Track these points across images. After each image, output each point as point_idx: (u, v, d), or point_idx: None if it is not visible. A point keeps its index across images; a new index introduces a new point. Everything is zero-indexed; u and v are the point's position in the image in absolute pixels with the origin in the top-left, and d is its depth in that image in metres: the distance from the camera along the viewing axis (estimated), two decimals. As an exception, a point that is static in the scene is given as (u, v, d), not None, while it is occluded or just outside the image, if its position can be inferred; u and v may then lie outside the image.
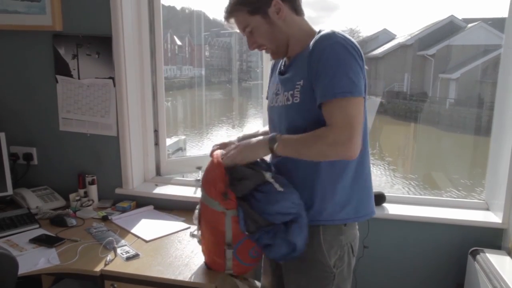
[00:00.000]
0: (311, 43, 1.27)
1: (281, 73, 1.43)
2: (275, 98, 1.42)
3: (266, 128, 1.59)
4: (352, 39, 1.26)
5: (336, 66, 1.20)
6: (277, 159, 1.39)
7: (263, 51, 1.45)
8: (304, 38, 1.33)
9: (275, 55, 1.43)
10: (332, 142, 1.18)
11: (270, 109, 1.48)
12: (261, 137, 1.34)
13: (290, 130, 1.32)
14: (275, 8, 1.31)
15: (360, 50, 1.25)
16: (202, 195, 1.46)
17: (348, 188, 1.33)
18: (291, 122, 1.34)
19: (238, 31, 1.42)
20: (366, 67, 1.28)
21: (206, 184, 1.43)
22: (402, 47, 5.52)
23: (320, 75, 1.22)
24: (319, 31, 1.32)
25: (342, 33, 1.26)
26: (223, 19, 1.41)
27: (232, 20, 1.38)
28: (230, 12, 1.36)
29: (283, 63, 1.46)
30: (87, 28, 2.13)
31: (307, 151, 1.24)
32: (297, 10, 1.36)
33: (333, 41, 1.22)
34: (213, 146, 1.55)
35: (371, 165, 1.42)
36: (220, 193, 1.34)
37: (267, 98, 1.55)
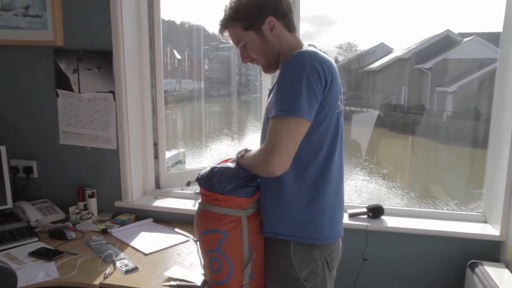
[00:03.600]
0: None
1: (270, 90, 1.47)
2: (265, 114, 1.44)
3: None
4: (324, 60, 1.26)
5: (285, 85, 1.23)
6: None
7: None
8: (289, 53, 1.34)
9: (267, 70, 1.46)
10: (258, 158, 1.26)
11: (263, 125, 1.49)
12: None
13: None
14: (269, 25, 1.34)
15: (328, 71, 1.24)
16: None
17: (306, 209, 1.32)
18: (264, 137, 1.36)
19: (231, 43, 1.45)
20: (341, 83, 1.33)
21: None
22: (399, 60, 5.57)
23: (275, 92, 1.26)
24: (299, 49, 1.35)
25: (314, 53, 1.27)
26: (218, 32, 1.44)
27: (226, 33, 1.42)
28: (225, 26, 1.39)
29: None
30: (88, 43, 2.16)
31: (249, 166, 1.33)
32: (290, 27, 1.39)
33: (295, 60, 1.24)
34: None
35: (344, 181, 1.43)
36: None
37: None
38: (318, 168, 1.31)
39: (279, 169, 1.21)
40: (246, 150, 1.40)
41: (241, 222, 1.36)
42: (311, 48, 1.33)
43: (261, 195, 1.41)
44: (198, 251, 1.49)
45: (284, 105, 1.21)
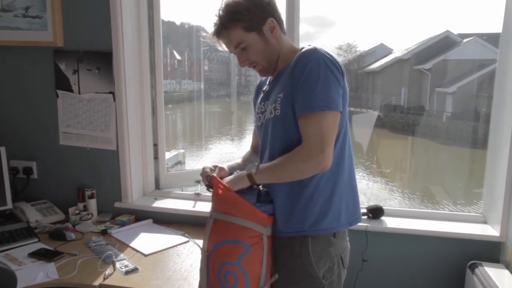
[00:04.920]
0: (294, 58, 1.32)
1: (266, 91, 1.47)
2: (261, 116, 1.44)
3: (244, 153, 1.67)
4: (334, 56, 1.30)
5: (316, 81, 1.24)
6: None
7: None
8: (289, 54, 1.38)
9: (265, 73, 1.46)
10: (305, 157, 1.24)
11: (258, 128, 1.49)
12: (241, 173, 1.37)
13: (273, 141, 1.36)
14: (270, 26, 1.35)
15: (342, 67, 1.30)
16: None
17: (328, 198, 1.33)
18: (274, 134, 1.36)
19: (222, 47, 1.43)
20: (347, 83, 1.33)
21: (231, 208, 1.34)
22: (399, 61, 5.58)
23: (300, 89, 1.26)
24: (302, 48, 1.36)
25: (325, 50, 1.31)
26: (211, 36, 1.41)
27: (221, 35, 1.38)
28: (225, 27, 1.36)
29: (268, 82, 1.50)
30: (88, 43, 2.16)
31: (283, 172, 1.29)
32: (283, 30, 1.42)
33: (315, 57, 1.26)
34: (205, 168, 1.51)
35: (358, 175, 1.45)
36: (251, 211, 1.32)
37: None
38: (336, 155, 1.31)
39: (330, 162, 1.24)
40: (255, 165, 1.34)
41: (262, 240, 1.33)
42: (317, 46, 1.34)
43: (277, 198, 1.37)
44: (201, 267, 1.37)
45: (319, 101, 1.23)
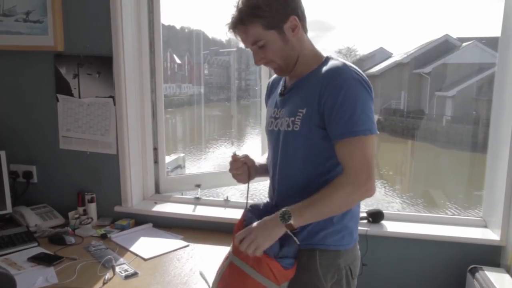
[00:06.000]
0: (323, 72, 1.25)
1: (282, 94, 1.39)
2: (274, 122, 1.39)
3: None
4: (362, 73, 1.25)
5: (354, 103, 1.18)
6: (277, 186, 1.38)
7: (262, 66, 1.44)
8: (311, 59, 1.31)
9: (281, 72, 1.38)
10: (353, 188, 1.19)
11: (269, 133, 1.43)
12: (271, 220, 1.23)
13: (288, 156, 1.32)
14: (291, 25, 1.26)
15: (370, 84, 1.25)
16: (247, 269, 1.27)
17: (343, 214, 1.31)
18: (289, 149, 1.32)
19: (239, 41, 1.33)
20: None
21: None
22: (398, 65, 5.60)
23: (337, 111, 1.19)
24: (327, 58, 1.31)
25: (353, 66, 1.25)
26: (228, 28, 1.30)
27: (238, 29, 1.29)
28: (242, 22, 1.26)
29: (283, 83, 1.43)
30: (88, 48, 2.17)
31: (328, 208, 1.22)
32: (305, 28, 1.32)
33: (349, 76, 1.21)
34: (234, 156, 1.43)
35: None
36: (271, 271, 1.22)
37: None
38: None
39: (375, 189, 1.20)
40: (286, 211, 1.20)
41: None
42: (344, 60, 1.29)
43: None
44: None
45: (361, 125, 1.18)
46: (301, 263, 1.31)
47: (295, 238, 1.24)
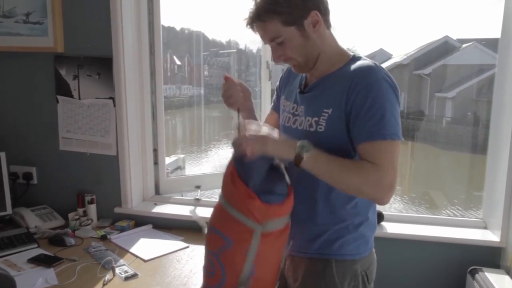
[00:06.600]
0: (351, 71, 1.18)
1: (303, 91, 1.31)
2: (292, 118, 1.32)
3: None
4: (392, 76, 1.19)
5: (384, 106, 1.13)
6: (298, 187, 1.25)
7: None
8: (334, 57, 1.24)
9: (301, 69, 1.30)
10: (375, 180, 1.11)
11: (286, 129, 1.34)
12: (288, 140, 1.19)
13: None
14: (312, 20, 1.19)
15: (398, 88, 1.19)
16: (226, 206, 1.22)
17: (361, 223, 1.28)
18: None
19: (259, 37, 1.26)
20: None
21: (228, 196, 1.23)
22: (398, 66, 5.60)
23: (367, 111, 1.13)
24: (353, 57, 1.25)
25: (383, 68, 1.20)
26: (245, 24, 1.24)
27: (256, 25, 1.22)
28: (261, 19, 1.20)
29: (303, 79, 1.35)
30: (88, 49, 2.17)
31: (340, 176, 1.14)
32: (328, 23, 1.25)
33: (379, 76, 1.15)
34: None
35: None
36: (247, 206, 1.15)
37: (273, 109, 1.51)
38: None
39: (389, 200, 1.14)
40: (308, 145, 1.12)
41: (251, 237, 1.15)
42: (371, 60, 1.21)
43: (307, 212, 1.26)
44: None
45: (391, 128, 1.12)
46: (317, 270, 1.27)
47: (287, 177, 1.17)
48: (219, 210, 1.24)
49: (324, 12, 1.21)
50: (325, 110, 1.19)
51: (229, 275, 1.18)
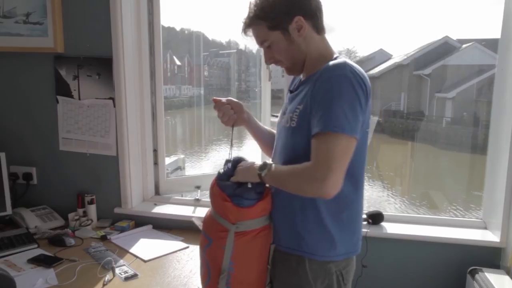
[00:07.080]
0: (321, 70, 1.22)
1: (291, 91, 1.39)
2: (282, 116, 1.39)
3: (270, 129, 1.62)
4: (363, 74, 1.21)
5: (335, 99, 1.14)
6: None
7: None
8: (318, 59, 1.27)
9: (290, 72, 1.39)
10: (308, 178, 1.14)
11: (277, 125, 1.44)
12: (254, 164, 1.31)
13: (284, 151, 1.32)
14: (296, 25, 1.25)
15: (368, 86, 1.20)
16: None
17: (335, 226, 1.27)
18: (285, 144, 1.31)
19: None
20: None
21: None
22: (398, 66, 5.60)
23: (318, 105, 1.17)
24: (335, 58, 1.27)
25: (355, 66, 1.21)
26: (241, 31, 1.34)
27: (250, 33, 1.33)
28: (249, 25, 1.30)
29: (297, 81, 1.41)
30: (88, 49, 2.17)
31: (286, 184, 1.22)
32: (318, 28, 1.30)
33: (340, 72, 1.17)
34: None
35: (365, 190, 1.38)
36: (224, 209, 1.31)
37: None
38: (350, 186, 1.24)
39: (333, 191, 1.11)
40: (267, 164, 1.26)
41: (227, 236, 1.28)
42: (347, 60, 1.23)
43: (284, 210, 1.31)
44: None
45: (334, 121, 1.12)
46: (290, 266, 1.30)
47: (249, 185, 1.29)
48: (208, 215, 1.41)
49: (310, 17, 1.27)
50: (297, 107, 1.26)
51: (212, 270, 1.33)
